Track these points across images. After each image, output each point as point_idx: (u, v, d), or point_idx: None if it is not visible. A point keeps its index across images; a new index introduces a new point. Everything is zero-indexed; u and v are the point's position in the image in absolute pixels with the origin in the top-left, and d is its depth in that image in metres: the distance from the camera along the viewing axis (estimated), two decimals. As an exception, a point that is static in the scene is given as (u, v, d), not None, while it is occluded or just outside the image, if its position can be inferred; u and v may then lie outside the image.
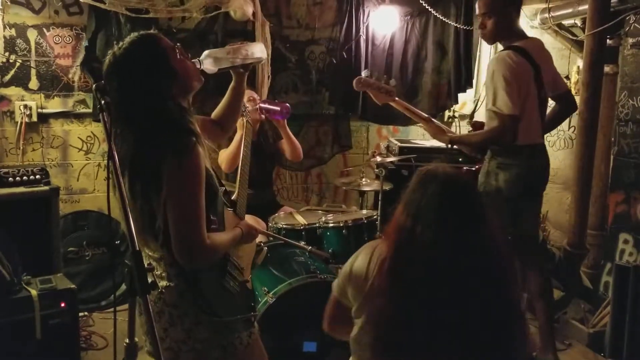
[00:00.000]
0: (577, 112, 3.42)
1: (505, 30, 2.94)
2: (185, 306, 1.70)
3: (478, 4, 3.03)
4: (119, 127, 1.64)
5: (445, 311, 1.41)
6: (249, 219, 3.51)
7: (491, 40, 3.12)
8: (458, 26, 4.63)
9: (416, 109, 3.33)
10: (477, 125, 3.24)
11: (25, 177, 3.31)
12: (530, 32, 3.65)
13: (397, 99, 3.24)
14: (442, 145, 4.26)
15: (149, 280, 1.30)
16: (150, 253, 1.73)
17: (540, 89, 2.91)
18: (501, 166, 2.93)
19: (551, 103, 3.14)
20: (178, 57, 1.72)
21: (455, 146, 3.15)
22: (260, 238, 3.12)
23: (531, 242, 3.08)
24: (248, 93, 3.44)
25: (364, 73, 3.26)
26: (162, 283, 1.71)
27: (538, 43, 3.06)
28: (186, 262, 1.64)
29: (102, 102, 1.41)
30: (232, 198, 2.04)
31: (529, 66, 2.84)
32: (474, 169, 3.10)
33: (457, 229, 1.45)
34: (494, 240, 1.47)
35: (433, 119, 3.28)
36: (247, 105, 3.10)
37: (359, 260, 1.64)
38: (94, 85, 1.45)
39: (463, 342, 1.42)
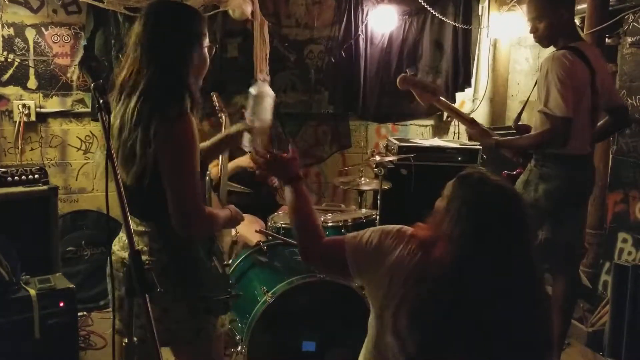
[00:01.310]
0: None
1: (559, 32, 2.76)
2: (165, 283, 1.68)
3: (527, 8, 2.88)
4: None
5: (483, 326, 1.40)
6: (248, 217, 3.54)
7: (546, 44, 2.87)
8: (456, 25, 4.63)
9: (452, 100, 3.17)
10: (521, 129, 3.01)
11: (23, 177, 3.30)
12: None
13: (441, 98, 3.11)
14: (441, 144, 4.28)
15: (148, 279, 1.30)
16: (134, 227, 1.74)
17: (595, 95, 2.71)
18: (544, 177, 2.77)
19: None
20: (205, 44, 1.80)
21: (501, 150, 2.98)
22: (258, 237, 3.14)
23: (567, 250, 2.96)
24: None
25: (408, 71, 3.14)
26: (143, 258, 1.71)
27: (594, 49, 2.91)
28: (184, 228, 1.66)
29: (101, 101, 1.40)
30: (214, 184, 2.07)
31: (585, 68, 2.65)
32: (514, 173, 2.99)
33: (508, 244, 1.41)
34: (532, 257, 1.45)
35: (477, 122, 3.14)
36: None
37: (389, 240, 1.57)
38: (92, 85, 1.45)
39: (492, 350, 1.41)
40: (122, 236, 1.90)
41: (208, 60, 1.85)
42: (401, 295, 1.48)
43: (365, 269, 1.59)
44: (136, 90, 1.70)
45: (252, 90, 2.10)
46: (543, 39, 2.82)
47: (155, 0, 1.84)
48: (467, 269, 1.40)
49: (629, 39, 3.37)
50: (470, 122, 3.11)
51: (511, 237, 1.42)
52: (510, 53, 4.85)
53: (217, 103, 3.08)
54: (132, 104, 1.69)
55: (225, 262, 1.93)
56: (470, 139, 3.45)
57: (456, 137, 4.88)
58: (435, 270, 1.43)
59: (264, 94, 2.09)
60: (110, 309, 3.60)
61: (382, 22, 4.49)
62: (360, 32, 4.45)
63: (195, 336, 1.80)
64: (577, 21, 3.81)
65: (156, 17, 1.77)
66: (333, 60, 4.46)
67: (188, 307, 1.76)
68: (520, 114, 3.03)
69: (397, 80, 3.11)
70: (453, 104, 3.23)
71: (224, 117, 3.00)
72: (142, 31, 1.76)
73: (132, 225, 1.71)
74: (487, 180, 1.47)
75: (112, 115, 1.64)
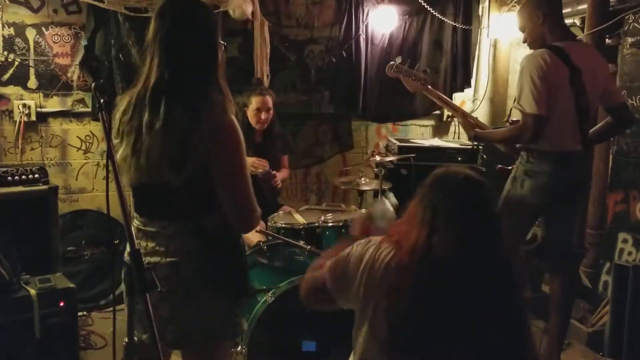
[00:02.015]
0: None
1: (540, 35, 2.84)
2: (203, 281, 1.72)
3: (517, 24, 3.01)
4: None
5: (458, 312, 1.40)
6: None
7: (535, 47, 2.90)
8: (456, 25, 4.63)
9: (451, 99, 3.29)
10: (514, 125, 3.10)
11: (24, 177, 3.30)
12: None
13: (429, 87, 3.23)
14: (441, 144, 4.28)
15: (149, 279, 1.30)
16: (152, 229, 1.75)
17: (580, 94, 2.74)
18: (529, 173, 2.84)
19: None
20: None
21: (480, 143, 3.11)
22: (259, 237, 3.13)
23: (561, 249, 3.00)
24: (260, 101, 3.58)
25: (397, 59, 3.24)
26: (158, 259, 1.73)
27: (584, 47, 2.94)
28: (242, 224, 1.72)
29: (102, 100, 1.40)
30: None
31: (564, 67, 2.70)
32: (509, 168, 3.05)
33: (474, 229, 1.44)
34: (504, 242, 1.47)
35: (465, 111, 3.27)
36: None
37: (359, 250, 1.59)
38: (93, 84, 1.45)
39: (471, 345, 1.41)
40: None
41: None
42: (377, 297, 1.49)
43: (342, 287, 1.61)
44: (173, 93, 1.68)
45: (376, 210, 2.31)
46: (531, 45, 2.92)
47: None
48: (437, 258, 1.42)
49: (630, 40, 3.37)
50: (457, 110, 3.24)
51: (473, 221, 1.44)
52: (510, 53, 4.85)
53: None
54: (173, 108, 1.67)
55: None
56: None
57: (456, 137, 4.88)
58: (406, 265, 1.44)
59: (386, 211, 2.30)
60: (110, 309, 3.61)
61: (382, 22, 4.49)
62: (360, 32, 4.45)
63: (233, 330, 1.83)
64: (577, 21, 3.83)
65: (178, 16, 1.73)
66: (333, 60, 4.46)
67: (227, 303, 1.78)
68: (511, 110, 3.15)
69: (386, 68, 3.25)
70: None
71: None
72: (165, 32, 1.71)
73: (150, 227, 1.75)
74: (451, 171, 1.52)
75: (146, 118, 1.66)
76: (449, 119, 4.84)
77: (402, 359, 1.46)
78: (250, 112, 3.59)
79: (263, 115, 3.57)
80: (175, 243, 1.73)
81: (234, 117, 1.72)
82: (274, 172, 3.61)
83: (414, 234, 1.45)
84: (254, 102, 3.57)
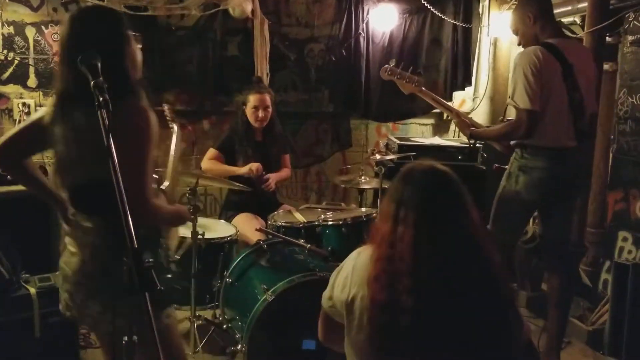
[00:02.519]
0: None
1: (532, 35, 2.87)
2: (112, 280, 1.68)
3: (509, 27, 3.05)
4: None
5: (432, 302, 1.42)
6: (248, 216, 3.55)
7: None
8: (457, 24, 4.63)
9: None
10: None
11: (23, 175, 3.29)
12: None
13: (423, 89, 3.28)
14: (441, 143, 4.28)
15: (149, 277, 1.30)
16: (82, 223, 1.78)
17: (573, 90, 2.77)
18: (523, 169, 2.87)
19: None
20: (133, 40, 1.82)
21: (476, 141, 3.15)
22: (259, 235, 3.14)
23: (558, 246, 3.03)
24: (259, 99, 3.60)
25: (391, 62, 3.30)
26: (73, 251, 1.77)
27: (577, 45, 2.97)
28: (133, 217, 1.65)
29: (101, 99, 1.41)
30: (161, 187, 2.10)
31: (557, 64, 2.73)
32: (506, 167, 3.07)
33: (437, 214, 1.47)
34: (475, 229, 1.49)
35: (460, 111, 3.30)
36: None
37: (346, 267, 1.65)
38: (92, 82, 1.45)
39: (454, 336, 1.42)
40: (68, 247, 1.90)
41: (140, 57, 1.86)
42: (361, 291, 1.53)
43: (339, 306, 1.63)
44: (82, 93, 1.63)
45: None
46: (524, 46, 2.93)
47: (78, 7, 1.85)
48: (402, 247, 1.45)
49: (630, 38, 3.36)
50: (452, 111, 3.28)
51: (433, 207, 1.48)
52: (510, 52, 4.84)
53: (168, 114, 3.16)
54: (82, 112, 1.68)
55: (171, 259, 1.99)
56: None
57: (456, 136, 4.88)
58: (377, 257, 1.49)
59: None
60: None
61: (382, 21, 4.49)
62: (360, 31, 4.45)
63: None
64: (577, 19, 3.83)
65: (82, 21, 1.77)
66: (334, 58, 4.46)
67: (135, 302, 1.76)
68: (506, 109, 3.17)
69: (380, 71, 3.32)
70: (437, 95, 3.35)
71: (175, 127, 3.12)
72: (73, 36, 1.74)
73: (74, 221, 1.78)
74: (416, 164, 1.57)
75: (59, 124, 1.71)
76: (450, 118, 4.84)
77: (387, 355, 1.48)
78: (249, 110, 3.60)
79: (261, 113, 3.58)
80: (88, 238, 1.77)
81: (149, 113, 1.72)
82: (267, 175, 3.62)
83: (383, 228, 1.51)
84: (252, 99, 3.58)
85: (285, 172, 3.85)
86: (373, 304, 1.47)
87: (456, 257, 1.44)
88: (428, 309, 1.42)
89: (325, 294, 1.69)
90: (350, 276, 1.59)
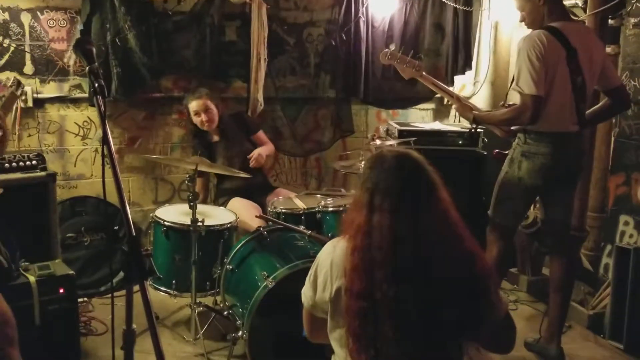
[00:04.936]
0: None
1: (541, 16, 2.83)
2: None
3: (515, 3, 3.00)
4: None
5: (412, 288, 1.43)
6: (247, 203, 3.54)
7: (534, 29, 2.91)
8: (457, 7, 4.58)
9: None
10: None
11: (21, 163, 3.28)
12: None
13: (424, 74, 3.27)
14: (442, 128, 4.25)
15: (147, 265, 1.29)
16: None
17: (576, 74, 2.76)
18: (526, 154, 2.87)
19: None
20: None
21: (479, 125, 3.13)
22: (258, 222, 3.13)
23: (559, 230, 3.03)
24: (195, 105, 3.69)
25: (391, 46, 3.30)
26: None
27: (581, 28, 2.94)
28: None
29: (96, 84, 1.38)
30: None
31: (560, 48, 2.71)
32: (506, 152, 3.06)
33: (411, 197, 1.48)
34: (446, 210, 1.50)
35: (461, 96, 3.29)
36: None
37: (323, 263, 1.64)
38: (87, 68, 1.43)
39: (427, 319, 1.44)
40: None
41: None
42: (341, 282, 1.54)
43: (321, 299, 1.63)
44: None
45: None
46: (529, 25, 2.91)
47: None
48: (379, 235, 1.46)
49: (632, 20, 3.33)
50: (453, 96, 3.28)
51: (406, 192, 1.49)
52: (511, 35, 4.79)
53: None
54: None
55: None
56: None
57: (457, 121, 4.85)
58: (353, 247, 1.50)
59: None
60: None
61: (382, 5, 4.44)
62: (360, 15, 4.39)
63: None
64: (579, 2, 3.78)
65: None
66: (333, 43, 4.41)
67: None
68: (507, 93, 3.16)
69: (380, 55, 3.32)
70: (436, 79, 3.35)
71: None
72: None
73: None
74: (385, 151, 1.60)
75: None
76: (450, 103, 4.81)
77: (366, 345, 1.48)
78: (193, 118, 3.70)
79: (204, 117, 3.66)
80: None
81: None
82: (251, 154, 3.71)
83: (358, 218, 1.51)
84: (191, 107, 3.68)
85: (267, 148, 3.90)
86: (351, 293, 1.47)
87: (433, 240, 1.46)
88: (408, 295, 1.43)
89: (306, 292, 1.68)
90: (329, 272, 1.59)
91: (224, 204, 3.58)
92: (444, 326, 1.44)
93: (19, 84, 3.15)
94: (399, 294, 1.42)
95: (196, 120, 3.69)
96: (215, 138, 3.80)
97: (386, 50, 3.28)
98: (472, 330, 1.51)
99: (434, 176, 1.53)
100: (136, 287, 1.31)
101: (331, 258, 1.60)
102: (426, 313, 1.43)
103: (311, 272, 1.67)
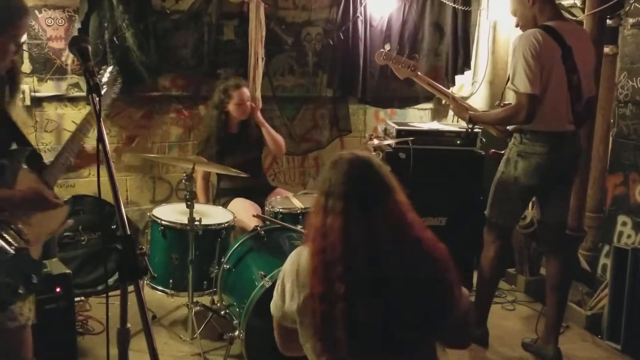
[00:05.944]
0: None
1: (533, 17, 2.84)
2: None
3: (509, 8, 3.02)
4: None
5: (364, 286, 1.45)
6: (245, 202, 3.53)
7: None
8: (456, 7, 4.57)
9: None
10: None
11: (18, 162, 3.27)
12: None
13: (419, 74, 3.28)
14: (440, 127, 4.25)
15: (141, 264, 1.28)
16: None
17: (572, 73, 2.77)
18: (522, 154, 2.87)
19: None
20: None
21: (475, 125, 3.13)
22: (256, 222, 3.12)
23: (555, 230, 3.04)
24: (243, 94, 3.58)
25: (386, 47, 3.29)
26: None
27: (575, 28, 2.95)
28: None
29: (92, 83, 1.38)
30: (46, 162, 1.99)
31: (556, 46, 2.72)
32: (502, 152, 3.06)
33: (362, 200, 1.51)
34: (401, 213, 1.52)
35: (456, 96, 3.29)
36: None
37: (289, 272, 1.64)
38: (83, 66, 1.42)
39: (381, 320, 1.45)
40: None
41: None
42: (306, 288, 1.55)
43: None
44: None
45: None
46: (523, 28, 2.90)
47: None
48: (335, 237, 1.49)
49: (631, 20, 3.33)
50: (448, 96, 3.29)
51: (356, 193, 1.52)
52: (510, 35, 4.79)
53: None
54: None
55: (21, 246, 1.84)
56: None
57: (455, 121, 4.84)
58: (312, 251, 1.53)
59: None
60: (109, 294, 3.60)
61: (381, 4, 4.44)
62: (358, 14, 4.39)
63: None
64: (577, 2, 3.78)
65: None
66: (331, 42, 4.40)
67: None
68: (503, 93, 3.17)
69: (375, 56, 3.32)
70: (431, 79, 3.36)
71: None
72: None
73: None
74: (341, 155, 1.62)
75: None
76: (447, 103, 4.80)
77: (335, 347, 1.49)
78: (234, 108, 3.61)
79: (248, 105, 3.63)
80: None
81: None
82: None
83: (315, 222, 1.55)
84: (237, 96, 3.58)
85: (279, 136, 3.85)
86: (313, 296, 1.49)
87: (385, 240, 1.48)
88: (360, 294, 1.44)
89: (276, 302, 1.68)
90: (296, 282, 1.59)
91: (225, 205, 3.56)
92: (399, 326, 1.46)
93: None
94: (350, 295, 1.44)
95: (238, 109, 3.59)
96: (234, 130, 3.71)
97: (381, 50, 3.28)
98: (429, 330, 1.52)
99: (389, 180, 1.56)
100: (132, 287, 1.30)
101: (297, 268, 1.60)
102: (379, 314, 1.45)
103: (278, 282, 1.67)
